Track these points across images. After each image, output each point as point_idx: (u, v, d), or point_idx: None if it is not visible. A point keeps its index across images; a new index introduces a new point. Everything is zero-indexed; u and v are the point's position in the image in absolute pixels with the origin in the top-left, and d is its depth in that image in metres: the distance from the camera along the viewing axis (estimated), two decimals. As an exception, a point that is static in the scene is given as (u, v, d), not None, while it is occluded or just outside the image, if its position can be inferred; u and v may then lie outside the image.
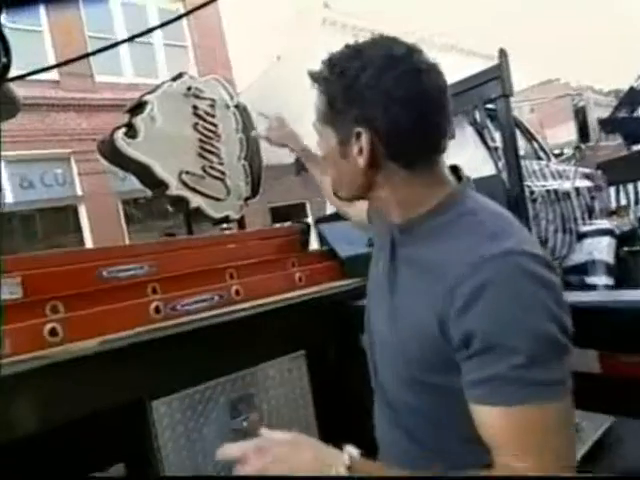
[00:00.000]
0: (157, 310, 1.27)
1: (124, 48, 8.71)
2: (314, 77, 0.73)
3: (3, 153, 7.27)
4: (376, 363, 0.83)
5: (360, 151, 0.70)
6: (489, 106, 2.66)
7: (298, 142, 1.33)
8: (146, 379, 1.09)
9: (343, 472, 0.56)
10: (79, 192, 8.07)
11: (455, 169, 0.81)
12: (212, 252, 1.50)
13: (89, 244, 7.97)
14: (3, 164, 7.50)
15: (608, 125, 3.77)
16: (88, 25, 8.11)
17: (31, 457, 0.97)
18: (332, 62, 0.71)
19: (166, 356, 1.14)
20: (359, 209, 1.06)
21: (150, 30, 3.29)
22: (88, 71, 8.24)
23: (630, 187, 4.57)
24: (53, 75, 7.92)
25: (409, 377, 0.72)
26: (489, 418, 0.60)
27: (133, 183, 2.68)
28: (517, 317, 0.58)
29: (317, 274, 1.69)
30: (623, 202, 4.38)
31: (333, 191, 0.83)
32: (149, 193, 2.78)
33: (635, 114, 5.79)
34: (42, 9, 7.21)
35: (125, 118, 2.65)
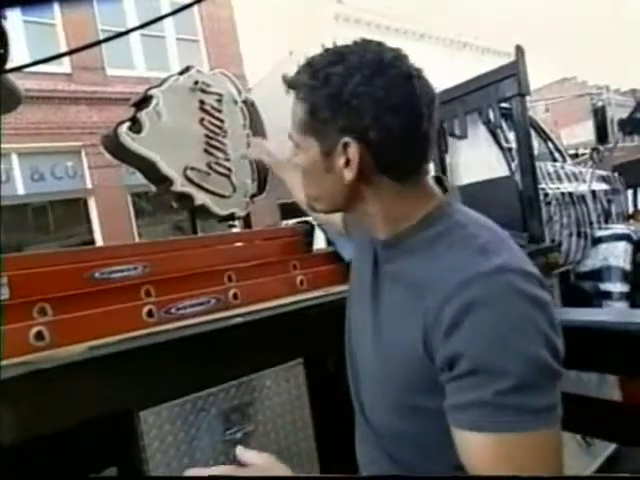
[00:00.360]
0: (150, 314, 1.22)
1: (136, 42, 8.71)
2: (292, 83, 0.68)
3: (15, 145, 7.33)
4: (357, 379, 0.78)
5: (347, 163, 0.65)
6: (503, 105, 2.57)
7: (270, 155, 1.44)
8: (134, 388, 1.04)
9: None
10: (89, 185, 8.09)
11: (439, 180, 0.75)
12: (210, 253, 1.44)
13: (98, 237, 8.00)
14: (15, 156, 7.56)
15: (627, 126, 3.66)
16: (101, 19, 8.12)
17: (10, 467, 0.92)
18: (314, 67, 0.65)
19: (156, 363, 1.09)
20: (332, 216, 1.01)
21: (159, 19, 3.23)
22: (100, 64, 8.25)
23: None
24: (65, 68, 7.95)
25: (395, 400, 0.67)
26: (471, 444, 0.56)
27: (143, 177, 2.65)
28: (507, 339, 0.55)
29: (320, 277, 1.63)
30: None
31: (308, 206, 0.77)
32: (154, 189, 2.74)
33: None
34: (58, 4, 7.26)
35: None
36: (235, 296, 1.39)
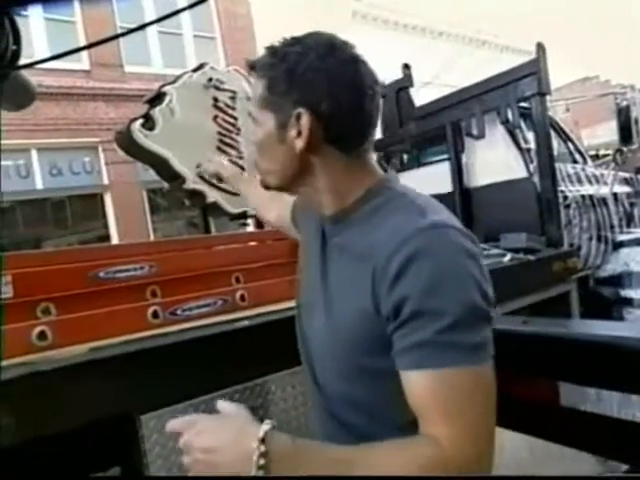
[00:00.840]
0: (155, 315, 1.20)
1: (153, 39, 8.77)
2: (253, 64, 0.75)
3: (34, 141, 7.44)
4: (311, 359, 0.82)
5: (299, 133, 0.70)
6: (522, 104, 2.50)
7: (227, 169, 1.60)
8: (137, 391, 1.02)
9: (255, 445, 0.57)
10: (105, 181, 8.18)
11: (381, 165, 0.79)
12: (218, 253, 1.42)
13: (113, 232, 8.09)
14: (34, 152, 7.68)
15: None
16: (120, 16, 8.18)
17: (8, 469, 0.91)
18: (273, 49, 0.72)
19: (160, 366, 1.07)
20: (282, 215, 1.11)
21: (174, 13, 3.23)
22: (118, 61, 8.33)
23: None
24: (84, 65, 8.04)
25: (346, 366, 0.72)
26: (416, 384, 0.62)
27: (159, 173, 2.65)
28: (445, 284, 0.61)
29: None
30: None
31: (262, 182, 0.82)
32: (166, 185, 2.74)
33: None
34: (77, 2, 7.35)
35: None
36: (242, 298, 1.37)
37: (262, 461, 0.56)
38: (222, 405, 0.65)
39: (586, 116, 12.99)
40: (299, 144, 0.71)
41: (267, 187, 0.81)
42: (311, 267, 0.82)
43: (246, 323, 1.23)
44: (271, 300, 1.41)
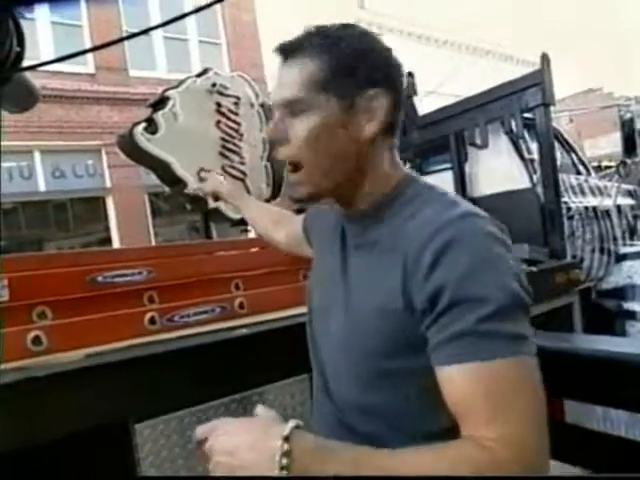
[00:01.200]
0: (152, 321, 1.18)
1: (159, 43, 8.81)
2: (295, 45, 0.67)
3: (37, 143, 7.46)
4: (322, 365, 0.77)
5: (371, 117, 0.67)
6: (526, 115, 2.49)
7: (224, 186, 1.47)
8: (131, 399, 1.00)
9: (279, 444, 0.53)
10: (108, 184, 8.19)
11: None
12: (217, 260, 1.40)
13: (115, 235, 8.09)
14: (37, 153, 7.70)
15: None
16: (126, 20, 8.24)
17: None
18: (322, 31, 0.68)
19: (156, 374, 1.05)
20: (291, 233, 1.07)
21: (179, 18, 3.23)
22: (123, 65, 8.37)
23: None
24: (89, 69, 8.08)
25: (364, 369, 0.68)
26: (458, 379, 0.57)
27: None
28: (483, 270, 0.59)
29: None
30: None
31: (296, 193, 0.72)
32: (167, 190, 2.73)
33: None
34: (83, 4, 7.39)
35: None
36: (241, 305, 1.35)
37: (285, 460, 0.52)
38: (258, 409, 0.63)
39: (589, 127, 13.02)
40: (370, 129, 0.67)
41: (299, 200, 0.72)
42: (327, 269, 0.78)
43: (245, 331, 1.21)
44: (271, 308, 1.39)
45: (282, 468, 0.52)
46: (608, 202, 3.16)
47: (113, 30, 7.87)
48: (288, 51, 0.68)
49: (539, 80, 2.26)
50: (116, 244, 7.85)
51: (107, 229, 8.23)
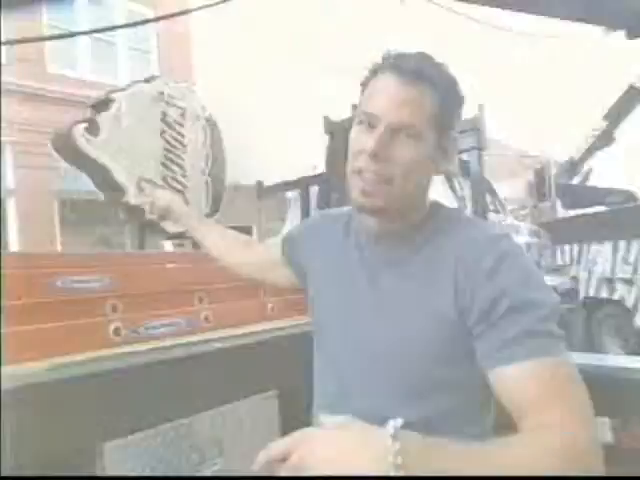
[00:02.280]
0: (117, 332, 1.10)
1: (83, 40, 8.31)
2: (421, 73, 0.70)
3: None
4: (342, 381, 0.77)
5: (446, 156, 0.75)
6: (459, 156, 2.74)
7: (180, 204, 1.43)
8: (98, 418, 0.92)
9: (389, 443, 0.52)
10: (11, 185, 7.41)
11: None
12: (183, 270, 1.35)
13: (14, 241, 7.28)
14: None
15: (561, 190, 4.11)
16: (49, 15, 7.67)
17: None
18: (437, 65, 0.72)
19: (122, 390, 0.96)
20: (258, 258, 1.07)
21: (109, 29, 3.11)
22: (41, 59, 7.75)
23: (568, 247, 4.88)
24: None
25: (418, 379, 0.71)
26: (517, 377, 0.61)
27: (72, 182, 2.45)
28: (535, 279, 0.68)
29: (289, 306, 1.58)
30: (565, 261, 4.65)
31: (367, 202, 0.73)
32: (101, 197, 2.56)
33: (572, 181, 6.30)
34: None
35: (76, 113, 2.43)
36: (207, 319, 1.31)
37: (399, 459, 0.51)
38: (339, 418, 0.63)
39: (494, 171, 14.39)
40: (444, 166, 0.76)
41: (369, 209, 0.74)
42: (343, 282, 0.81)
43: (212, 347, 1.17)
44: (235, 322, 1.36)
45: (398, 467, 0.51)
46: (521, 240, 3.54)
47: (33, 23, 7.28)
48: (409, 72, 0.69)
49: (476, 126, 2.51)
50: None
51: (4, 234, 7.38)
